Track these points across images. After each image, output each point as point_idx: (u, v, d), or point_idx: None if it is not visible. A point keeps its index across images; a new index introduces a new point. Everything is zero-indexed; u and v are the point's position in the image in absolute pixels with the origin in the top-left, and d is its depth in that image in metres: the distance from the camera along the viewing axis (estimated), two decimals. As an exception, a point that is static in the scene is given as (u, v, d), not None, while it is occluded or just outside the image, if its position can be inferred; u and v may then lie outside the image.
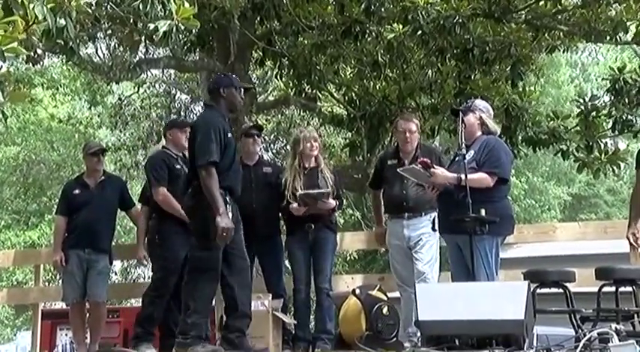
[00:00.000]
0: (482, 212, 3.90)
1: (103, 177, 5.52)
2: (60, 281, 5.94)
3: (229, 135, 4.18)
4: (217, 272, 4.09)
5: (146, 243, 5.17)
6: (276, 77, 8.27)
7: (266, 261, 5.04)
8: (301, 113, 11.01)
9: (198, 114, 12.36)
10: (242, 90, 4.47)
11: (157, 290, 4.77)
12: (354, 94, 7.68)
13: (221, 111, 4.30)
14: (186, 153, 4.75)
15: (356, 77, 7.63)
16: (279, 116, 11.75)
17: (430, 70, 7.22)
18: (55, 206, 5.96)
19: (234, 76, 4.63)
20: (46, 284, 11.43)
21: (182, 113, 12.66)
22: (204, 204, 4.02)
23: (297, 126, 11.45)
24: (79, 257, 5.31)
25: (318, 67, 7.22)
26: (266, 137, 12.84)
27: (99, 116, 15.25)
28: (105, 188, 5.46)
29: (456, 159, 4.24)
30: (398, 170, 4.49)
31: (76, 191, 5.43)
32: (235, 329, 4.10)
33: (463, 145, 4.04)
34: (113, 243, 5.64)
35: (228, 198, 4.09)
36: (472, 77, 6.94)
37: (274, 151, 12.66)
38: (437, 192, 4.23)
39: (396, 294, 4.94)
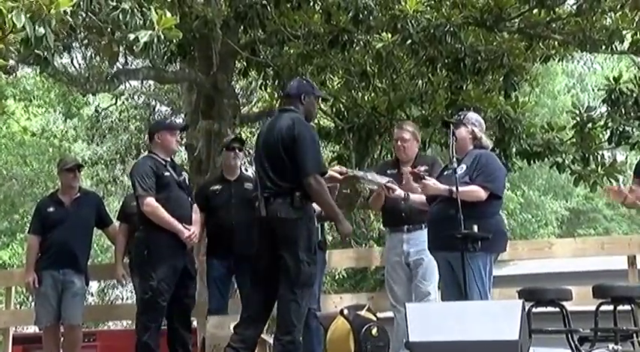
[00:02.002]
0: (475, 228, 3.92)
1: (78, 194, 5.50)
2: (32, 304, 5.89)
3: None
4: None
5: (128, 261, 5.15)
6: (260, 88, 8.30)
7: (246, 280, 5.04)
8: (287, 125, 11.03)
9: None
10: (319, 98, 4.53)
11: (147, 313, 4.55)
12: (341, 106, 7.72)
13: None
14: (174, 158, 4.81)
15: (343, 88, 7.68)
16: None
17: (420, 81, 7.28)
18: (28, 224, 5.93)
19: (313, 83, 4.60)
20: (18, 307, 11.33)
21: (162, 125, 12.66)
22: (308, 215, 4.04)
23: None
24: (53, 278, 5.28)
25: (304, 78, 7.25)
26: (250, 151, 12.87)
27: (74, 129, 15.19)
28: (81, 205, 5.44)
29: (445, 173, 4.28)
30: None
31: (51, 209, 5.41)
32: None
33: (454, 159, 4.07)
34: (89, 263, 5.62)
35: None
36: (464, 87, 7.00)
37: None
38: (393, 192, 4.32)
39: (387, 315, 4.95)
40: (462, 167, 4.13)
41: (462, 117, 4.35)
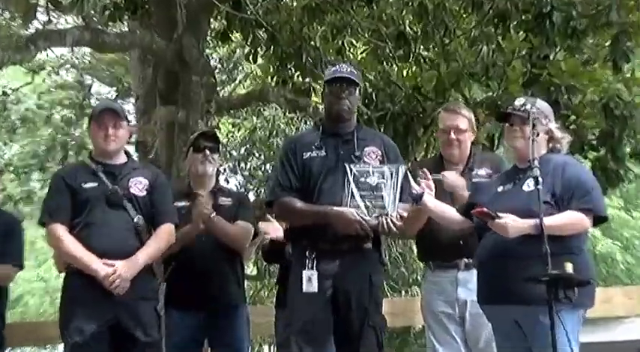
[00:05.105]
0: (569, 267, 3.91)
1: None
2: None
3: (305, 155, 4.56)
4: None
5: None
6: (247, 59, 8.31)
7: (222, 342, 5.07)
8: (287, 114, 11.05)
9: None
10: (335, 85, 4.60)
11: None
12: (367, 84, 7.74)
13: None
14: (116, 160, 4.68)
15: (371, 58, 7.69)
16: (254, 119, 11.80)
17: (485, 47, 7.26)
18: None
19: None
20: None
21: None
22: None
23: (281, 135, 11.43)
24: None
25: (312, 43, 7.27)
26: (233, 151, 12.83)
27: (-30, 119, 15.30)
28: None
29: (504, 187, 4.22)
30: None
31: None
32: None
33: (535, 163, 4.06)
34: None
35: None
36: (551, 57, 7.00)
37: (246, 173, 12.67)
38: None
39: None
40: (534, 181, 4.07)
41: (526, 107, 4.31)
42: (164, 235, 4.66)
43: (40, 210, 4.73)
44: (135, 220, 4.62)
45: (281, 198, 4.50)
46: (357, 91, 4.63)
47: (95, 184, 4.61)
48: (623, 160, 7.17)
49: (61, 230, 4.55)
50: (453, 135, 4.87)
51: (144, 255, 4.57)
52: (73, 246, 4.52)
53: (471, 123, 4.92)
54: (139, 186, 4.70)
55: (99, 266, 4.47)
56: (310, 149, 4.52)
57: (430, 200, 4.43)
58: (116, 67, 12.18)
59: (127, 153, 4.87)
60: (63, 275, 4.83)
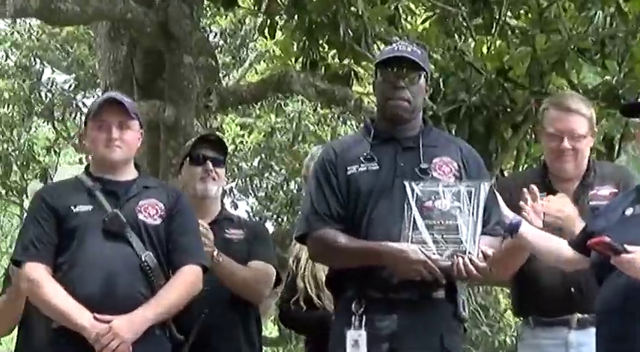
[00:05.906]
0: None
1: None
2: None
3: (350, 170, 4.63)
4: None
5: None
6: (261, 32, 8.34)
7: None
8: (318, 109, 11.08)
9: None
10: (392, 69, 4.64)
11: None
12: (433, 68, 7.74)
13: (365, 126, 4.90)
14: (122, 175, 4.79)
15: (437, 29, 7.74)
16: (271, 117, 11.84)
17: (601, 12, 7.25)
18: None
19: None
20: None
21: (55, 112, 12.80)
22: None
23: (311, 140, 11.45)
24: None
25: (353, 9, 7.31)
26: (243, 164, 12.87)
27: None
28: None
29: (628, 210, 4.21)
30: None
31: None
32: None
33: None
34: None
35: None
36: None
37: (261, 195, 12.74)
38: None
39: None
40: None
41: None
42: (187, 280, 4.72)
43: (15, 244, 4.81)
44: (143, 258, 4.66)
45: (317, 231, 4.57)
46: (423, 79, 4.59)
47: (89, 207, 4.71)
48: None
49: (38, 271, 4.64)
50: (567, 143, 4.92)
51: (155, 308, 4.63)
52: (54, 293, 4.58)
53: (591, 124, 4.93)
54: (150, 210, 4.79)
55: (88, 322, 4.53)
56: (357, 161, 4.59)
57: (529, 230, 4.39)
58: (76, 47, 12.26)
59: (137, 166, 4.92)
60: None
